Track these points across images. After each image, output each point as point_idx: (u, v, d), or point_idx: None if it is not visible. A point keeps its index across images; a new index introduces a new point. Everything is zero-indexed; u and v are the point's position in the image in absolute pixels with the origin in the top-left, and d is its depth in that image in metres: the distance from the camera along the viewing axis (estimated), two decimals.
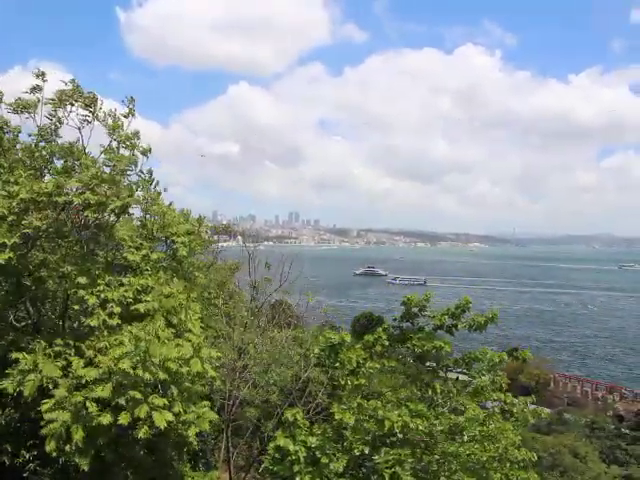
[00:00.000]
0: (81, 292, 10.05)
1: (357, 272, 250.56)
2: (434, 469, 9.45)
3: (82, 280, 10.09)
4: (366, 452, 9.30)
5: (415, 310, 11.07)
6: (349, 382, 9.95)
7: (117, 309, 10.13)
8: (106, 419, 9.20)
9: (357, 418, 9.37)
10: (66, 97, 11.30)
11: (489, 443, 9.61)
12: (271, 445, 9.73)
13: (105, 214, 10.87)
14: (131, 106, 11.95)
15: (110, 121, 11.67)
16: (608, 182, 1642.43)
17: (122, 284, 10.49)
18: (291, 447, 9.28)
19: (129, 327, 9.94)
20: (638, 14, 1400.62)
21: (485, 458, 9.33)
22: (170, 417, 9.42)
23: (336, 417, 9.31)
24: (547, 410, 49.04)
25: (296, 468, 9.21)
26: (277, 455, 9.53)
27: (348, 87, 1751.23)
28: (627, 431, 42.05)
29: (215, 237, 18.64)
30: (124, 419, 9.19)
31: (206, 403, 10.79)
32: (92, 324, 9.88)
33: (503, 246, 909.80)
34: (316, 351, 10.97)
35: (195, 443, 10.59)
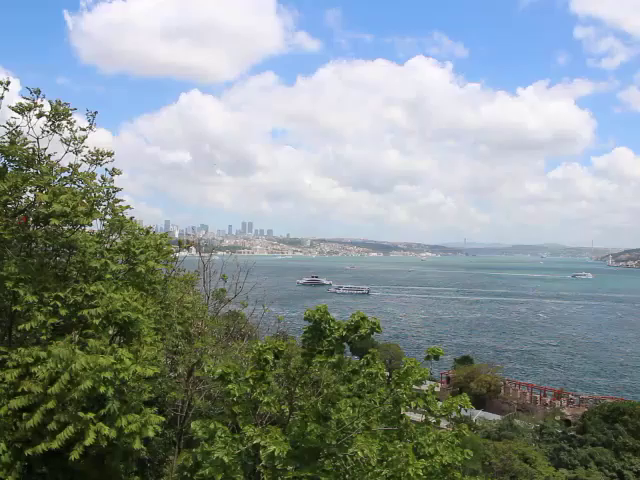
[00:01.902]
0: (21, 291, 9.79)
1: (300, 281, 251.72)
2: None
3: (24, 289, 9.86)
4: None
5: (323, 322, 11.13)
6: (236, 410, 10.14)
7: (63, 311, 9.97)
8: (41, 447, 9.03)
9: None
10: (27, 107, 11.01)
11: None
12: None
13: (66, 225, 10.72)
14: (91, 119, 11.75)
15: (68, 133, 11.45)
16: (555, 193, 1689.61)
17: (74, 289, 10.35)
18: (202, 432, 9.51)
19: (55, 342, 9.72)
20: (581, 30, 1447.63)
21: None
22: (106, 430, 9.26)
23: (268, 450, 9.39)
24: (490, 416, 49.86)
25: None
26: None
27: (300, 96, 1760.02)
28: (574, 434, 43.06)
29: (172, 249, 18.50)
30: (56, 444, 8.99)
31: (152, 409, 10.63)
32: (26, 328, 9.68)
33: (454, 256, 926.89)
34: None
35: (143, 452, 10.44)
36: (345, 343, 11.02)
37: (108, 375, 9.26)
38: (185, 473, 10.12)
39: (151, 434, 10.17)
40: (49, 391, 9.01)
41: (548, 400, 61.54)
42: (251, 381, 10.20)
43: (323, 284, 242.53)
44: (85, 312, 10.08)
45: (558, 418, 50.16)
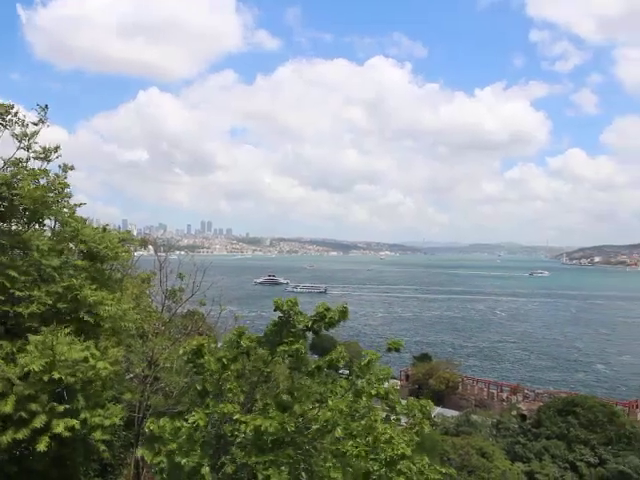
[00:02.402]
0: None
1: (257, 281, 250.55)
2: (314, 469, 9.54)
3: None
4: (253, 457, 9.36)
5: (292, 313, 11.24)
6: (215, 388, 10.06)
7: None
8: (7, 437, 8.84)
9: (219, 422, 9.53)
10: None
11: (362, 437, 9.72)
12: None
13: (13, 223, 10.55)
14: (42, 114, 11.51)
15: (18, 129, 11.22)
16: (511, 193, 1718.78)
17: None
18: (152, 459, 9.40)
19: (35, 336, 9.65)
20: (536, 34, 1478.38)
21: (355, 452, 9.40)
22: (73, 422, 9.13)
23: (189, 420, 9.39)
24: (448, 412, 50.52)
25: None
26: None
27: (260, 95, 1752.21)
28: (529, 428, 43.89)
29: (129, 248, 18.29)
30: (22, 434, 8.85)
31: (115, 406, 10.53)
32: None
33: (413, 255, 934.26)
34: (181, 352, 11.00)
35: (103, 448, 10.31)
36: (310, 334, 11.13)
37: (80, 369, 9.20)
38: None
39: (117, 421, 10.10)
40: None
41: (505, 396, 62.54)
42: (224, 360, 10.15)
43: (280, 283, 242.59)
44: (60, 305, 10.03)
45: (514, 413, 51.02)
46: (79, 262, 11.15)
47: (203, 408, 9.73)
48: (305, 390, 10.41)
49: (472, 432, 41.70)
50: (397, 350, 11.35)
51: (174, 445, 9.43)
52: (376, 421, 10.09)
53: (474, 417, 48.41)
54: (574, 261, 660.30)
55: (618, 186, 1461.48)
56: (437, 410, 54.97)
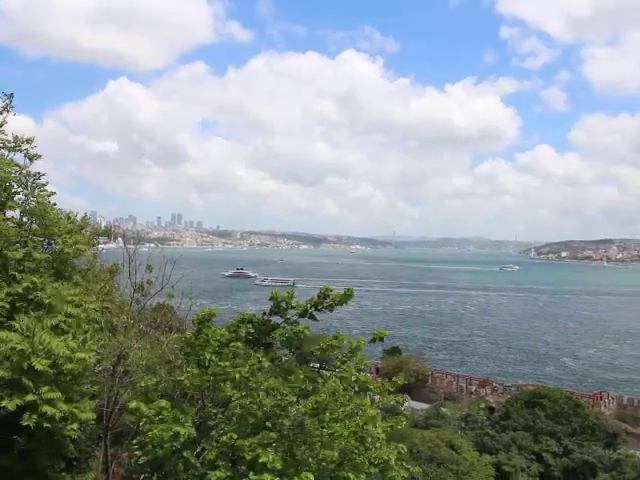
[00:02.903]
0: None
1: (226, 274, 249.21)
2: (302, 452, 9.57)
3: None
4: (235, 437, 9.37)
5: (283, 304, 11.31)
6: (213, 360, 10.06)
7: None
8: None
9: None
10: None
11: (350, 420, 9.83)
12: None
13: None
14: (8, 102, 11.26)
15: None
16: (480, 188, 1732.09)
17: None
18: (145, 409, 9.53)
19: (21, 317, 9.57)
20: (506, 30, 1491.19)
21: (347, 433, 9.54)
22: (65, 407, 9.14)
23: (180, 377, 9.45)
24: (418, 405, 50.95)
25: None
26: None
27: (231, 87, 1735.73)
28: (497, 421, 44.48)
29: (95, 239, 18.01)
30: (11, 404, 8.81)
31: (88, 401, 10.42)
32: None
33: (383, 248, 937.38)
34: (188, 334, 11.07)
35: (70, 442, 10.20)
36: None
37: (60, 361, 9.14)
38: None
39: (90, 416, 10.02)
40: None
41: (473, 389, 63.30)
42: (227, 337, 10.27)
43: (249, 276, 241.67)
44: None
45: (483, 406, 51.65)
46: (39, 255, 10.94)
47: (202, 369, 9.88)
48: (297, 374, 10.49)
49: (441, 425, 42.10)
50: (381, 340, 11.51)
51: (163, 403, 9.66)
52: (364, 405, 10.20)
53: (443, 410, 48.86)
54: (542, 256, 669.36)
55: (584, 183, 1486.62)
56: (407, 403, 55.32)
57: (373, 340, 12.05)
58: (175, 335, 16.59)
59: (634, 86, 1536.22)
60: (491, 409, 50.39)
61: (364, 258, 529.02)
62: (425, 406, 52.34)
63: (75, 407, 9.77)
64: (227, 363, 9.84)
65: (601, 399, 57.03)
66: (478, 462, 33.69)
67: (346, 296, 11.47)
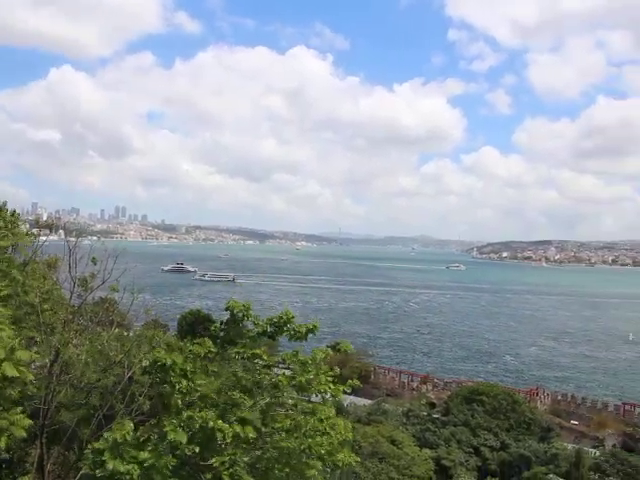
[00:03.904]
0: None
1: (165, 268, 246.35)
2: (268, 465, 9.55)
3: None
4: (203, 455, 9.26)
5: (240, 315, 11.24)
6: (179, 402, 9.80)
7: None
8: None
9: (189, 431, 9.28)
10: None
11: (321, 435, 9.85)
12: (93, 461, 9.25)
13: None
14: None
15: None
16: (426, 187, 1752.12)
17: None
18: (122, 468, 8.84)
19: None
20: (454, 33, 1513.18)
21: (323, 451, 9.62)
22: None
23: (169, 437, 9.08)
24: (360, 401, 51.34)
25: None
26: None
27: (179, 80, 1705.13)
28: (438, 416, 45.32)
29: (35, 231, 17.48)
30: None
31: (20, 409, 10.03)
32: None
33: (329, 245, 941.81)
34: (145, 363, 10.80)
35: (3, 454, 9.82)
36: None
37: None
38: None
39: (22, 434, 9.63)
40: None
41: (415, 385, 64.28)
42: (188, 374, 10.02)
43: (189, 271, 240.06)
44: None
45: (424, 401, 52.56)
46: None
47: (177, 418, 9.50)
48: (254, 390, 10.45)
49: (383, 420, 42.63)
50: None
51: (145, 454, 9.10)
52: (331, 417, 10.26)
53: (385, 406, 49.48)
54: (484, 255, 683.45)
55: (526, 185, 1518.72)
56: (349, 399, 55.80)
57: (337, 351, 12.21)
58: (117, 330, 16.29)
59: (575, 92, 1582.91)
60: (432, 405, 51.33)
61: (309, 255, 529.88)
62: (368, 402, 52.87)
63: (4, 418, 9.38)
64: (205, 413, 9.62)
65: (537, 395, 58.74)
66: (418, 457, 34.30)
67: (311, 330, 11.50)
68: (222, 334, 11.45)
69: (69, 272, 14.25)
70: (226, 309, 11.37)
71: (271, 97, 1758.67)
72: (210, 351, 10.70)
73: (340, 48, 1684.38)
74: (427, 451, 37.30)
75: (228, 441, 9.17)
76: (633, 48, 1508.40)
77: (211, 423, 9.18)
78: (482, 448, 40.32)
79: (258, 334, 11.26)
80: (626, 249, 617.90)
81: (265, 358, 10.95)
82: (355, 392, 60.87)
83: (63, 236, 15.83)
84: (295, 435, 9.72)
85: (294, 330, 11.33)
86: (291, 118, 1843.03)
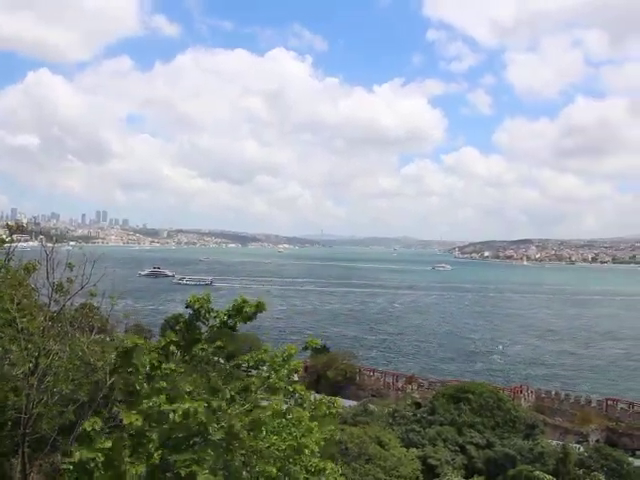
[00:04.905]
0: None
1: (142, 273, 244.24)
2: (236, 465, 9.38)
3: None
4: (168, 457, 9.05)
5: (202, 311, 11.11)
6: (145, 387, 9.67)
7: None
8: None
9: (149, 417, 9.14)
10: None
11: (287, 434, 9.69)
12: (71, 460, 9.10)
13: None
14: None
15: None
16: (407, 188, 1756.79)
17: None
18: (88, 455, 8.73)
19: None
20: (433, 33, 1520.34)
21: (284, 447, 9.40)
22: None
23: (125, 421, 8.97)
24: (344, 402, 51.34)
25: (96, 474, 8.73)
26: (76, 469, 8.91)
27: (158, 83, 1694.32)
28: (424, 416, 45.34)
29: (13, 237, 17.19)
30: None
31: None
32: None
33: (311, 247, 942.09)
34: (112, 357, 10.66)
35: None
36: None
37: None
38: None
39: None
40: None
41: (400, 385, 64.35)
42: (154, 362, 9.80)
43: (167, 275, 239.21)
44: None
45: (409, 402, 52.55)
46: None
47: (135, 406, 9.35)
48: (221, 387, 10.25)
49: (369, 421, 42.55)
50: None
51: (108, 444, 9.00)
52: (301, 418, 10.03)
53: (371, 407, 49.43)
54: (465, 255, 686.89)
55: (507, 184, 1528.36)
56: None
57: (305, 348, 12.07)
58: (97, 336, 16.05)
59: (553, 92, 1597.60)
60: (417, 405, 51.32)
61: (292, 257, 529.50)
62: (353, 403, 52.80)
63: None
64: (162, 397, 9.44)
65: (521, 392, 59.10)
66: (405, 457, 34.24)
67: (258, 307, 11.37)
68: (186, 334, 11.28)
69: (47, 278, 14.03)
70: (186, 307, 11.25)
71: (251, 99, 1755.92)
72: (177, 346, 10.56)
73: (319, 49, 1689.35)
74: (414, 450, 37.29)
75: (177, 420, 8.96)
76: (610, 48, 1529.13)
77: (165, 406, 9.02)
78: (468, 446, 40.38)
79: (219, 326, 11.14)
80: (606, 247, 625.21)
81: (229, 350, 10.85)
82: (340, 393, 61.00)
83: (45, 242, 15.58)
84: (259, 435, 9.55)
85: (245, 312, 11.24)
86: (271, 120, 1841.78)
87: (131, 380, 9.97)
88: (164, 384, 9.48)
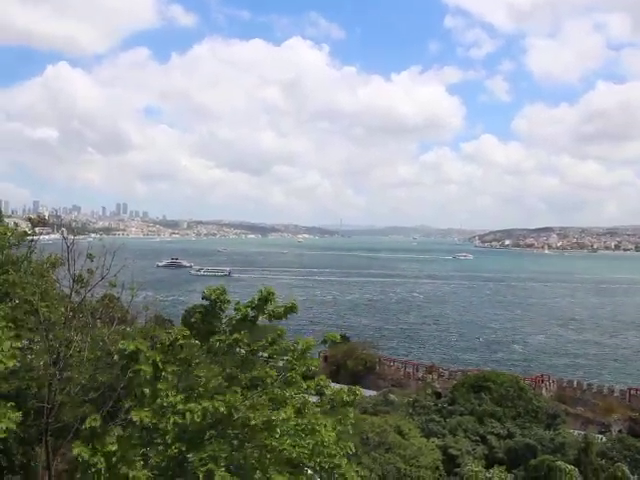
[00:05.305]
0: None
1: (160, 264, 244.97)
2: (250, 462, 9.29)
3: None
4: (183, 449, 9.00)
5: (219, 303, 11.04)
6: (146, 391, 9.49)
7: None
8: None
9: (160, 415, 9.05)
10: None
11: (302, 438, 9.52)
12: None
13: None
14: None
15: None
16: (426, 177, 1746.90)
17: None
18: (87, 456, 8.67)
19: None
20: (451, 20, 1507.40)
21: (295, 455, 9.25)
22: None
23: (134, 418, 8.91)
24: (366, 392, 51.44)
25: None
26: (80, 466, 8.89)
27: (175, 74, 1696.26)
28: (444, 406, 45.24)
29: (36, 230, 17.38)
30: None
31: (11, 403, 9.90)
32: None
33: (330, 237, 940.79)
34: (115, 358, 10.59)
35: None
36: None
37: None
38: None
39: (11, 425, 9.50)
40: None
41: (420, 375, 64.21)
42: (159, 364, 9.66)
43: (184, 266, 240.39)
44: None
45: (429, 391, 52.48)
46: None
47: (145, 405, 9.28)
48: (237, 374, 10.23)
49: (389, 411, 42.58)
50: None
51: (113, 447, 8.91)
52: (317, 424, 9.78)
53: (391, 396, 49.43)
54: (486, 244, 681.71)
55: (525, 171, 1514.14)
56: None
57: (324, 342, 12.00)
58: (118, 327, 16.18)
59: (573, 77, 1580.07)
60: (438, 394, 51.24)
61: (311, 247, 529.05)
62: (373, 393, 52.81)
63: None
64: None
65: (542, 382, 58.69)
66: (425, 447, 34.21)
67: (290, 309, 11.25)
68: (202, 325, 11.22)
69: (68, 270, 14.16)
70: (203, 298, 11.18)
71: (268, 89, 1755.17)
72: (184, 336, 10.27)
73: (336, 38, 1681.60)
74: (434, 440, 37.24)
75: (197, 420, 8.91)
76: (632, 31, 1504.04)
77: (180, 406, 8.95)
78: (489, 436, 40.21)
79: (239, 320, 11.04)
80: (628, 234, 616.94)
81: (246, 341, 10.72)
82: (360, 383, 61.09)
83: (65, 234, 15.72)
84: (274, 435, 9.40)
85: (272, 311, 11.14)
86: (288, 109, 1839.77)
87: (134, 383, 9.88)
88: (165, 385, 9.40)
